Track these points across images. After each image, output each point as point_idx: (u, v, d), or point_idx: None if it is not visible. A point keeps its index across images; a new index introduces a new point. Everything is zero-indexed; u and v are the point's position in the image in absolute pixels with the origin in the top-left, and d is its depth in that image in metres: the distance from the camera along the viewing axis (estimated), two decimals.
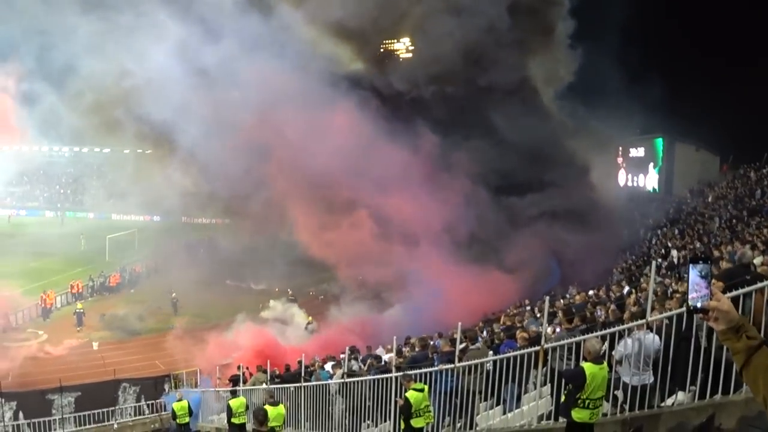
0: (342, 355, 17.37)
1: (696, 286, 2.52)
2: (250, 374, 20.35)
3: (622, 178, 50.66)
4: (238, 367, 21.05)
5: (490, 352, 11.11)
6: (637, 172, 49.65)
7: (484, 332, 16.84)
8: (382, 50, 43.89)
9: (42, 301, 35.07)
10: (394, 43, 43.99)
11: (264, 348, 25.57)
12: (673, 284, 14.38)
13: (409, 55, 43.36)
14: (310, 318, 31.89)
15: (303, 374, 17.12)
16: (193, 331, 31.46)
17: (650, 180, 48.50)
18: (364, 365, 16.09)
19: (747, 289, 6.66)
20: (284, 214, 34.63)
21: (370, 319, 29.22)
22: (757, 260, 10.97)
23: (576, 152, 38.99)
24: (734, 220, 27.56)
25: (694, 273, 2.53)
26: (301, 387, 15.93)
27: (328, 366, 17.66)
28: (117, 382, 23.61)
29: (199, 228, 50.07)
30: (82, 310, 33.72)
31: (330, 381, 15.22)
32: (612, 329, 8.75)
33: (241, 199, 34.83)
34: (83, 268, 41.78)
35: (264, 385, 18.03)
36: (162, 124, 33.99)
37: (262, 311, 33.12)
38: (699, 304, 2.51)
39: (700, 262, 2.56)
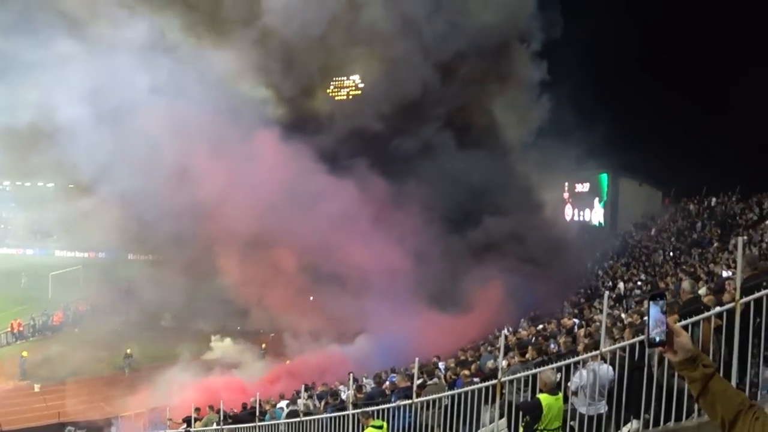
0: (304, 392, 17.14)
1: (656, 321, 2.62)
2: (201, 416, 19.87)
3: (569, 212, 51.72)
4: (197, 410, 20.53)
5: (446, 387, 11.16)
6: (583, 207, 50.74)
7: (441, 366, 16.89)
8: (332, 86, 44.13)
9: None
10: (344, 80, 44.24)
11: (217, 387, 25.03)
12: (622, 315, 14.73)
13: (359, 92, 43.65)
14: (264, 345, 31.39)
15: (258, 413, 16.82)
16: (140, 371, 30.62)
17: (596, 214, 49.60)
18: (320, 403, 15.92)
19: (695, 318, 6.91)
20: (212, 255, 33.75)
21: (326, 356, 28.92)
22: (702, 291, 11.35)
23: (526, 188, 39.78)
24: (677, 252, 28.46)
25: (655, 309, 2.62)
26: (255, 427, 15.64)
27: (282, 404, 17.41)
28: (61, 425, 22.78)
29: (147, 265, 49.01)
30: (25, 359, 31.98)
31: (282, 420, 14.99)
32: (567, 361, 8.90)
33: (172, 239, 33.69)
34: (23, 307, 40.33)
35: (215, 426, 17.66)
36: (81, 160, 33.04)
37: (209, 351, 32.50)
38: (658, 338, 2.60)
39: (659, 298, 2.68)
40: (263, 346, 34.29)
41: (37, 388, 29.65)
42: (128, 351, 33.25)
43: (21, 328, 37.17)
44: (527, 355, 11.72)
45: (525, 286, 31.21)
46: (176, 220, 31.34)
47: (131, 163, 32.66)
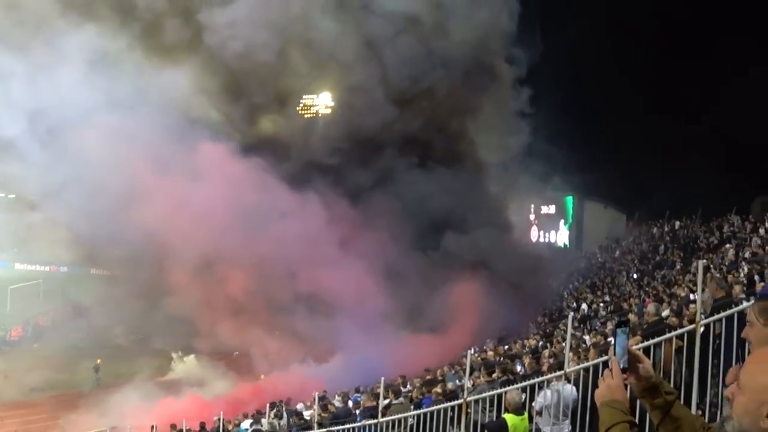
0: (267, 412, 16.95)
1: (622, 348, 2.61)
2: None
3: (534, 234, 52.27)
4: (152, 428, 20.19)
5: (412, 407, 11.15)
6: (549, 229, 51.36)
7: (408, 386, 16.86)
8: (301, 105, 43.97)
9: None
10: (313, 98, 44.09)
11: (180, 406, 24.61)
12: (585, 336, 14.89)
13: (328, 111, 43.55)
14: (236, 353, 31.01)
15: None
16: (100, 389, 29.94)
17: (561, 236, 50.25)
18: (284, 421, 15.77)
19: (657, 339, 7.03)
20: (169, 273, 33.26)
21: (294, 376, 28.61)
22: (665, 312, 11.56)
23: (493, 209, 40.03)
24: (641, 275, 28.92)
25: (622, 336, 2.61)
26: None
27: (245, 424, 17.21)
28: None
29: (108, 281, 48.09)
30: None
31: None
32: (531, 381, 8.96)
33: (130, 256, 33.09)
34: None
35: None
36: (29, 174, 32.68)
37: (171, 369, 32.02)
38: (622, 365, 2.55)
39: (624, 325, 2.68)
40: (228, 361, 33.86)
41: None
42: (98, 361, 32.59)
43: None
44: (492, 375, 11.79)
45: (494, 306, 31.34)
46: (132, 237, 30.87)
47: (81, 179, 32.10)
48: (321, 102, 44.09)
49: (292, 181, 34.53)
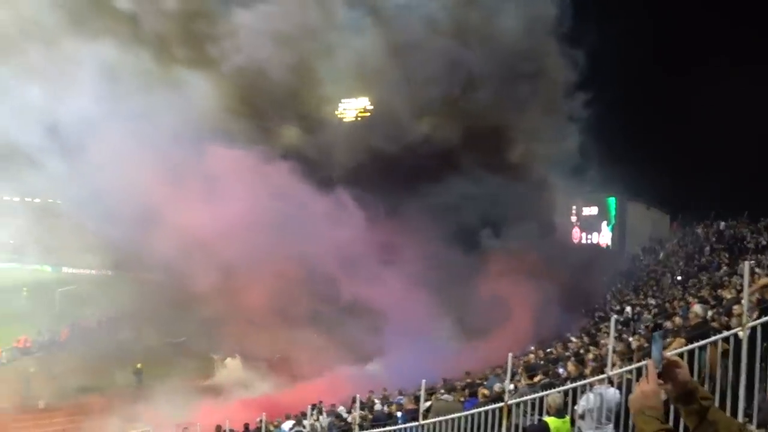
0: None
1: (659, 354, 2.59)
2: None
3: (576, 235, 51.65)
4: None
5: (462, 398, 11.15)
6: (591, 230, 50.72)
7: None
8: (340, 108, 44.21)
9: None
10: (352, 101, 44.32)
11: (225, 407, 24.99)
12: (629, 339, 14.67)
13: (368, 114, 43.71)
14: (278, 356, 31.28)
15: None
16: (146, 390, 30.46)
17: (603, 237, 49.58)
18: (325, 423, 15.89)
19: (702, 342, 6.92)
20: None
21: (338, 378, 28.73)
22: (708, 314, 11.33)
23: (538, 211, 39.66)
24: (685, 276, 28.35)
25: (659, 341, 2.56)
26: None
27: (286, 424, 17.38)
28: None
29: (153, 285, 49.03)
30: (30, 375, 31.95)
31: None
32: (574, 384, 8.90)
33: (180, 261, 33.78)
34: (28, 323, 40.26)
35: None
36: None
37: (217, 370, 32.47)
38: (659, 371, 2.55)
39: (660, 329, 2.67)
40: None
41: (42, 405, 29.57)
42: (138, 366, 33.22)
43: (28, 344, 37.21)
44: (534, 378, 11.73)
45: (538, 309, 31.02)
46: (175, 242, 31.39)
47: (121, 188, 32.84)
48: (359, 105, 44.33)
49: (329, 184, 34.78)
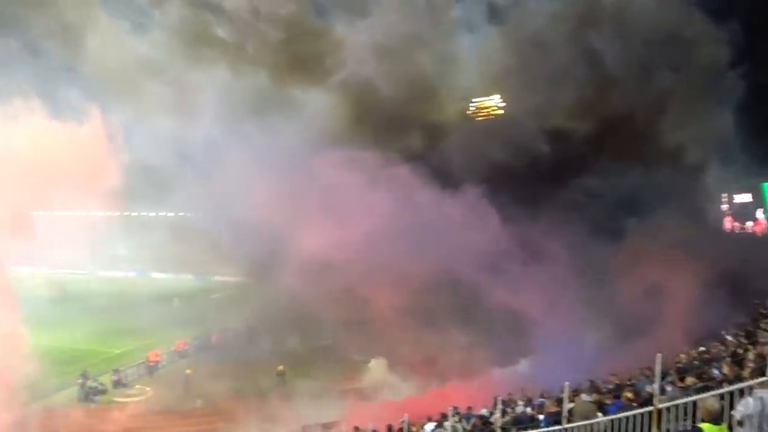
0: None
1: None
2: None
3: (728, 224, 48.59)
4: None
5: (600, 414, 10.77)
6: (744, 218, 47.68)
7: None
8: (472, 108, 43.94)
9: (148, 358, 36.81)
10: (484, 101, 43.91)
11: (368, 408, 25.57)
12: None
13: (501, 111, 43.15)
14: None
15: None
16: (291, 391, 31.58)
17: (759, 226, 46.45)
18: (467, 425, 15.85)
19: None
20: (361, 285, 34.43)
21: (484, 379, 28.61)
22: None
23: (684, 200, 37.48)
24: None
25: None
26: None
27: (428, 426, 17.50)
28: None
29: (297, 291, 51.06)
30: (188, 376, 33.91)
31: None
32: (731, 387, 8.35)
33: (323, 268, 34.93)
34: (182, 328, 43.03)
35: None
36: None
37: (363, 372, 33.20)
38: None
39: None
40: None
41: (199, 403, 31.55)
42: (280, 368, 34.62)
43: (185, 347, 39.95)
44: (686, 381, 11.11)
45: (693, 305, 29.24)
46: (315, 250, 32.46)
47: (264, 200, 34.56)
48: (492, 103, 43.92)
49: (460, 186, 34.69)
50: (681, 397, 9.22)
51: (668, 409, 9.07)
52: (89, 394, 31.54)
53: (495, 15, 39.78)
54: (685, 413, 8.72)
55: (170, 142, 36.00)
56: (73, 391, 31.88)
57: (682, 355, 18.24)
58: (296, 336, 37.56)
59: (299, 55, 39.43)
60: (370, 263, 32.29)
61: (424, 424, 18.06)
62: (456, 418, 17.10)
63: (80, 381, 32.06)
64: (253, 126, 35.97)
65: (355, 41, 38.74)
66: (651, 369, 15.72)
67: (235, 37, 39.87)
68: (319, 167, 33.91)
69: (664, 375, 13.50)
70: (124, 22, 39.74)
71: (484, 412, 18.49)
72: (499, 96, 43.13)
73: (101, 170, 24.92)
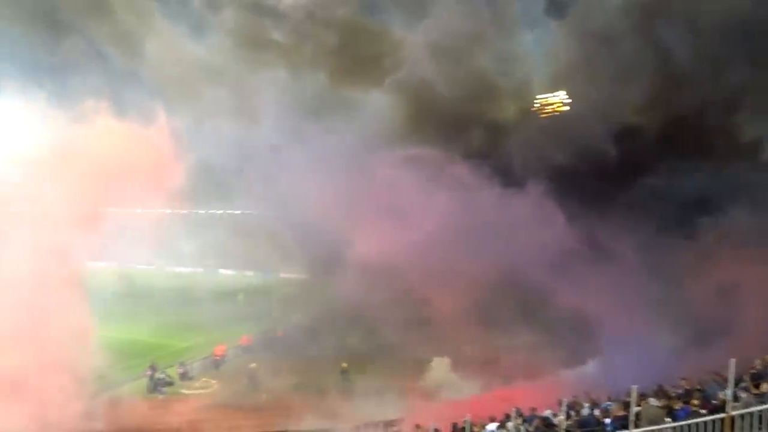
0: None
1: None
2: None
3: None
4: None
5: (668, 419, 10.45)
6: None
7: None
8: (536, 104, 43.28)
9: (215, 353, 37.65)
10: (548, 97, 43.15)
11: (431, 407, 25.56)
12: None
13: (566, 108, 42.32)
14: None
15: None
16: (354, 388, 31.80)
17: None
18: (531, 426, 15.66)
19: None
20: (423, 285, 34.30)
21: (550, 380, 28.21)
22: None
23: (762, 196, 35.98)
24: None
25: None
26: None
27: (491, 426, 17.38)
28: None
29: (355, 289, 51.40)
30: (254, 370, 34.27)
31: None
32: None
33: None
34: (247, 324, 43.76)
35: None
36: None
37: (428, 371, 33.20)
38: None
39: None
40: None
41: (263, 398, 32.08)
42: (344, 365, 34.77)
43: (250, 342, 40.71)
44: (762, 387, 10.67)
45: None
46: (379, 249, 32.56)
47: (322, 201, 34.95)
48: (556, 100, 43.17)
49: (524, 185, 34.21)
50: (756, 405, 8.86)
51: (742, 416, 8.74)
52: (158, 385, 32.36)
53: (557, 9, 39.05)
54: (760, 421, 8.37)
55: (232, 144, 36.92)
56: (142, 383, 32.73)
57: (758, 361, 17.54)
58: (357, 334, 37.69)
59: (357, 57, 39.77)
60: (432, 263, 32.21)
61: (485, 425, 17.92)
62: (519, 420, 16.91)
63: (149, 373, 32.90)
64: (313, 127, 36.51)
65: (414, 41, 38.78)
66: (721, 374, 15.21)
67: (291, 39, 40.51)
68: (379, 167, 34.02)
69: (737, 381, 13.00)
70: (182, 27, 40.95)
71: (547, 413, 18.22)
72: (564, 92, 42.28)
73: (167, 169, 25.78)
